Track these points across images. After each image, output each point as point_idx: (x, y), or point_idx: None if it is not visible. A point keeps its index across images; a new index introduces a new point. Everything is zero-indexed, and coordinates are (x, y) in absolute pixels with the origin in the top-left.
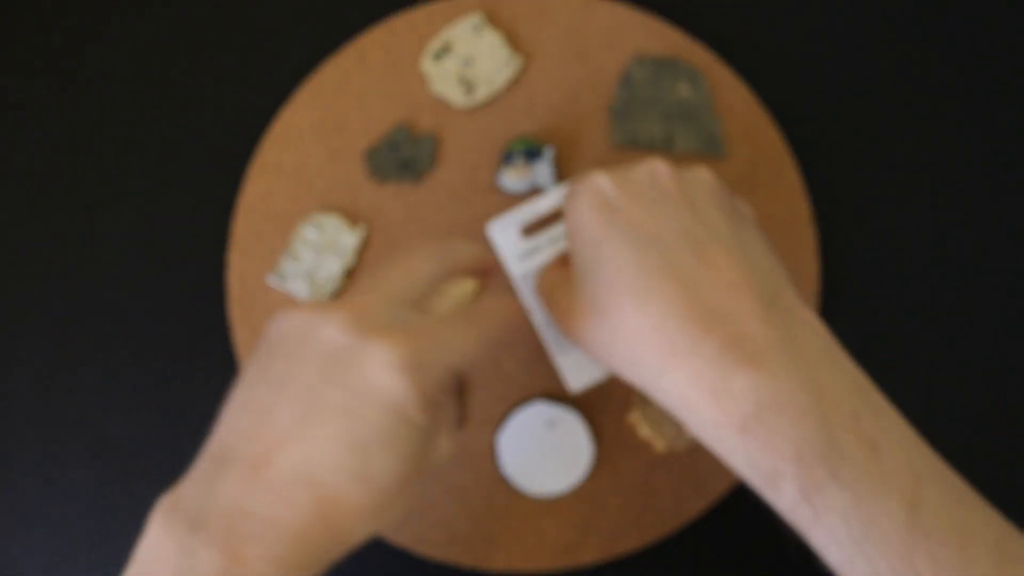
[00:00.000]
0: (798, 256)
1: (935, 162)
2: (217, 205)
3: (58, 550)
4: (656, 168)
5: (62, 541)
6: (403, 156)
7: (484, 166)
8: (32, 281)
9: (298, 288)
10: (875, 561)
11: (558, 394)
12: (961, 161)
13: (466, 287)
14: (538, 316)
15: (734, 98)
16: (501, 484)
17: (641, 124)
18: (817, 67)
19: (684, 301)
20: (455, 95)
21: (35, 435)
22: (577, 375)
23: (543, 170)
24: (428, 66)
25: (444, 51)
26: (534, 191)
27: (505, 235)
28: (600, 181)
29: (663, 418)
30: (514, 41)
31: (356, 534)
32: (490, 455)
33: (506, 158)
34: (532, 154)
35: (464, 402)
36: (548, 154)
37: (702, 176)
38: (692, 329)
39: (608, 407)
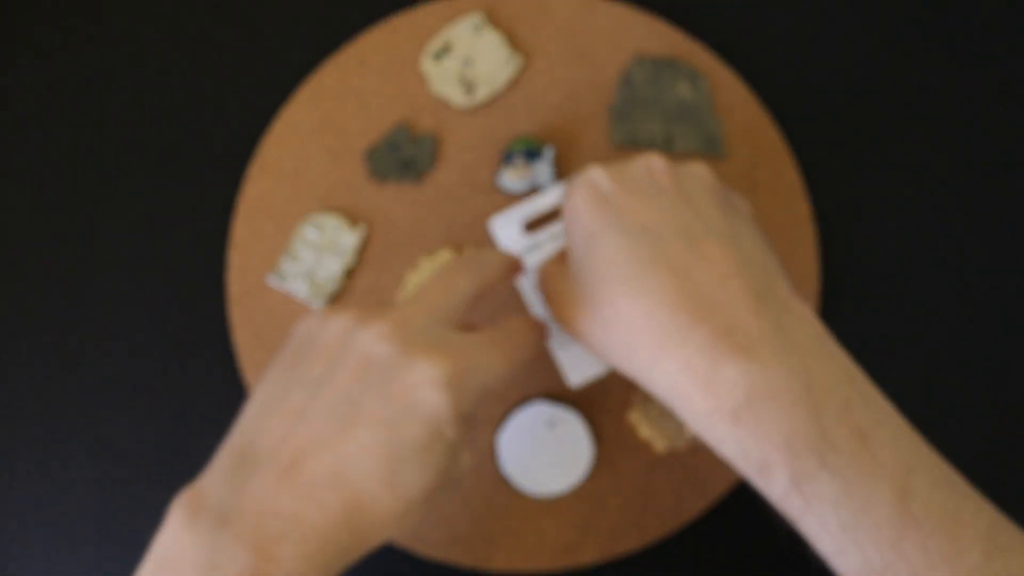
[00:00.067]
0: (798, 256)
1: (935, 162)
2: (217, 205)
3: (58, 550)
4: (652, 163)
5: (62, 541)
6: (403, 156)
7: (484, 166)
8: (32, 281)
9: (298, 288)
10: (866, 550)
11: (558, 394)
12: (961, 161)
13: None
14: (539, 311)
15: (734, 98)
16: (501, 484)
17: (641, 124)
18: (817, 67)
19: (676, 291)
20: (455, 95)
21: (35, 435)
22: (577, 370)
23: (543, 170)
24: (428, 66)
25: (444, 51)
26: (534, 191)
27: (507, 230)
28: (596, 175)
29: (663, 418)
30: (514, 41)
31: (376, 539)
32: (490, 455)
33: (506, 158)
34: (532, 154)
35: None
36: (548, 154)
37: (698, 171)
38: (684, 318)
39: (608, 407)
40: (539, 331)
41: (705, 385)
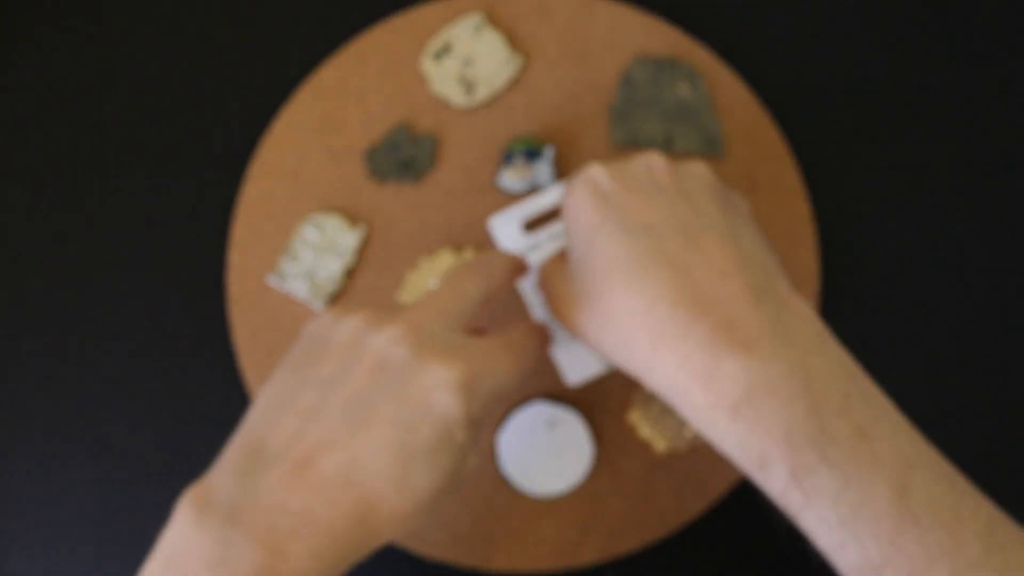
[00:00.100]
0: (798, 256)
1: (935, 162)
2: (217, 205)
3: (58, 550)
4: (652, 161)
5: (62, 541)
6: (403, 156)
7: (484, 166)
8: (32, 281)
9: (298, 288)
10: (865, 544)
11: (558, 394)
12: (961, 161)
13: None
14: (538, 311)
15: (734, 98)
16: (501, 484)
17: (641, 124)
18: (817, 67)
19: (675, 285)
20: (455, 95)
21: (35, 435)
22: (575, 369)
23: (543, 170)
24: (428, 66)
25: (444, 51)
26: (534, 191)
27: (506, 229)
28: (597, 172)
29: (663, 418)
30: (514, 41)
31: (383, 538)
32: (490, 455)
33: (506, 158)
34: (532, 154)
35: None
36: (548, 154)
37: (697, 170)
38: (683, 312)
39: (608, 407)
40: (544, 337)
41: (704, 380)
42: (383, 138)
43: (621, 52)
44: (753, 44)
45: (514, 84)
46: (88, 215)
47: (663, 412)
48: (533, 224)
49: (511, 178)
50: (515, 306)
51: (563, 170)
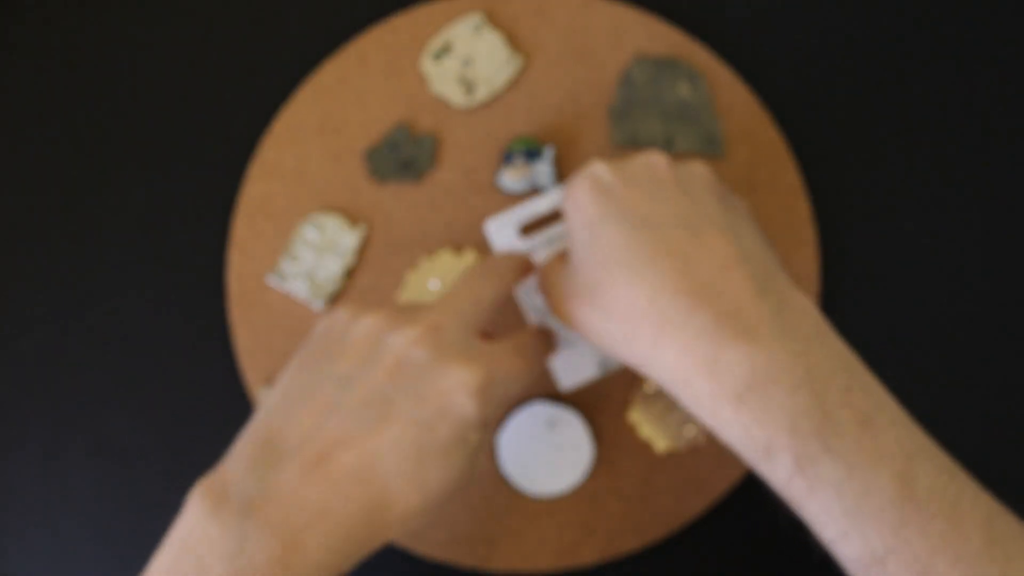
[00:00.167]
0: (798, 256)
1: (935, 162)
2: (217, 205)
3: (58, 550)
4: (653, 159)
5: (62, 541)
6: (403, 156)
7: (484, 166)
8: (32, 281)
9: (298, 288)
10: (868, 534)
11: (558, 394)
12: (961, 161)
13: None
14: (534, 315)
15: (734, 98)
16: (501, 484)
17: (641, 124)
18: (817, 67)
19: (677, 275)
20: (455, 95)
21: (35, 435)
22: (568, 374)
23: (543, 170)
24: (428, 66)
25: (444, 51)
26: (534, 191)
27: (502, 233)
28: (598, 169)
29: (663, 418)
30: (514, 41)
31: (394, 534)
32: (490, 455)
33: (506, 158)
34: (532, 154)
35: None
36: (548, 154)
37: (698, 169)
38: (685, 302)
39: (608, 407)
40: (549, 340)
41: (707, 369)
42: (383, 138)
43: (621, 52)
44: (753, 44)
45: (514, 84)
46: (88, 215)
47: (663, 412)
48: (529, 228)
49: (511, 178)
50: (509, 309)
51: (563, 170)
